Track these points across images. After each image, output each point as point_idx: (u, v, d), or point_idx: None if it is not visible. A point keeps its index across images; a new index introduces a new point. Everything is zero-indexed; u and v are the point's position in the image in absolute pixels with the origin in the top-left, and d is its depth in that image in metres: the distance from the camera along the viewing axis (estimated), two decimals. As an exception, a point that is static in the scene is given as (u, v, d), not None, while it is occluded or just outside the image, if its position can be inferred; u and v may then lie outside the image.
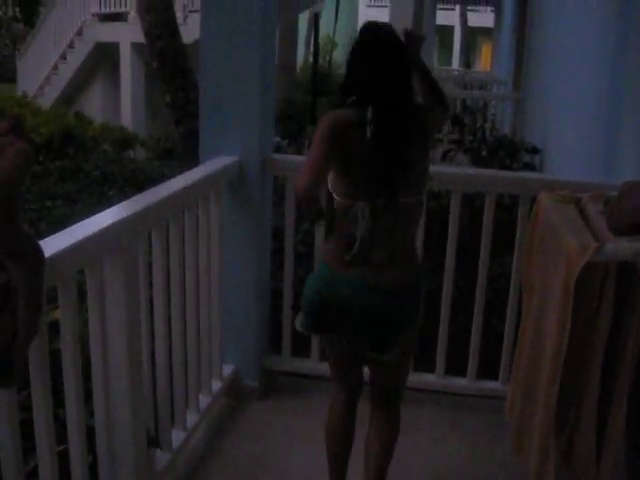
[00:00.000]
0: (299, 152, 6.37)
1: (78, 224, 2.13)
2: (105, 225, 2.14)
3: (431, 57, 16.01)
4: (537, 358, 2.51)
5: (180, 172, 3.11)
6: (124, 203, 2.46)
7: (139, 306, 2.39)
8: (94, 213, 2.24)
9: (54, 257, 1.81)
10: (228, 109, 3.27)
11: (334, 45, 22.96)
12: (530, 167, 6.55)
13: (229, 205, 3.28)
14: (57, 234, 2.00)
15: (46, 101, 12.17)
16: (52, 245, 1.86)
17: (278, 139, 6.53)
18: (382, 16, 26.78)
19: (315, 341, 3.57)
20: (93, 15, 11.57)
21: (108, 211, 2.31)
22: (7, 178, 1.48)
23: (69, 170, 5.79)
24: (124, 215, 2.28)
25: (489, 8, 25.20)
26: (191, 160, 6.35)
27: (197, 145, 3.41)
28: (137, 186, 5.46)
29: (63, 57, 12.23)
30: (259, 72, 3.22)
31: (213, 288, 3.17)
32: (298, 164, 3.54)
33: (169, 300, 2.72)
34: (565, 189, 2.92)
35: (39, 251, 1.66)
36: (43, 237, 4.03)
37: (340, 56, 24.97)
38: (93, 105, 11.92)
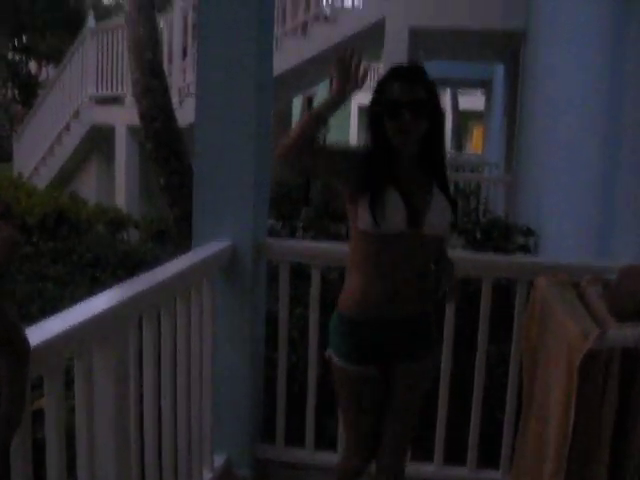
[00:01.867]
0: (293, 234, 6.34)
1: (67, 311, 2.07)
2: (94, 313, 2.08)
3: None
4: (541, 447, 2.43)
5: (174, 255, 3.07)
6: (114, 290, 2.41)
7: (128, 395, 2.31)
8: (85, 297, 2.20)
9: (41, 346, 1.75)
10: (221, 193, 3.25)
11: (327, 128, 23.29)
12: (525, 249, 6.51)
13: (222, 290, 3.24)
14: (44, 321, 1.94)
15: (42, 182, 12.19)
16: (39, 333, 1.81)
17: (272, 221, 6.51)
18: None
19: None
20: (90, 98, 11.70)
21: (97, 298, 2.25)
22: None
23: (61, 252, 5.76)
24: (114, 303, 2.23)
25: (480, 91, 25.65)
26: (185, 243, 6.34)
27: (190, 228, 3.38)
28: (129, 269, 5.42)
29: (59, 138, 12.31)
30: (253, 156, 3.22)
31: (205, 375, 3.09)
32: (293, 249, 3.55)
33: (159, 388, 2.64)
34: (563, 272, 2.89)
35: (24, 340, 1.60)
36: (34, 320, 3.95)
37: (333, 138, 25.42)
38: (88, 186, 11.96)
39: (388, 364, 2.53)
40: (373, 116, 2.42)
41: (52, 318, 1.97)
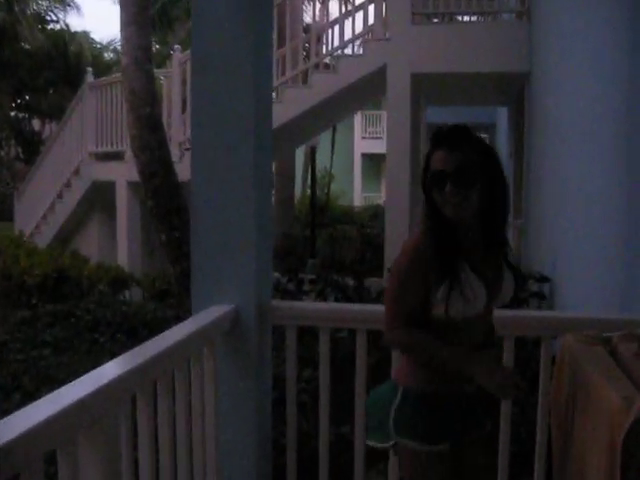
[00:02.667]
0: (299, 288, 6.13)
1: (49, 397, 1.85)
2: (79, 397, 1.85)
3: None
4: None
5: (175, 316, 2.86)
6: (103, 368, 2.18)
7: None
8: (82, 363, 1.99)
9: (13, 443, 1.53)
10: (221, 253, 3.04)
11: (331, 177, 23.27)
12: (539, 296, 6.31)
13: (224, 357, 3.01)
14: (20, 411, 1.72)
15: (43, 240, 12.07)
16: (12, 426, 1.59)
17: (277, 275, 6.32)
18: (377, 147, 27.31)
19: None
20: (90, 154, 11.61)
21: (85, 378, 2.03)
22: None
23: (60, 314, 5.56)
24: (102, 383, 2.00)
25: (483, 135, 25.69)
26: (187, 301, 6.15)
27: (190, 286, 3.17)
28: (130, 331, 5.22)
29: (60, 195, 12.22)
30: (254, 212, 3.01)
31: (208, 453, 2.85)
32: (300, 311, 3.33)
33: (157, 471, 2.41)
34: (590, 327, 2.69)
35: None
36: (26, 392, 3.70)
37: (337, 188, 25.41)
38: (90, 243, 11.82)
39: (460, 438, 2.38)
40: (424, 188, 2.26)
41: (30, 407, 1.74)
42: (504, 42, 9.22)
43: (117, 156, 11.54)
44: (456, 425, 2.33)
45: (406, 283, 2.28)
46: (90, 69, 12.81)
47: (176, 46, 11.26)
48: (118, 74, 10.89)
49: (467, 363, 2.22)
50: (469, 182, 2.16)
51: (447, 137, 2.22)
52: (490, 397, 2.35)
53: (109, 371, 2.16)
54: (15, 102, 37.35)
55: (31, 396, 3.80)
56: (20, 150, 38.24)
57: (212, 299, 3.04)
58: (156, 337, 2.57)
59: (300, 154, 22.32)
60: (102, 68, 25.92)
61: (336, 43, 11.06)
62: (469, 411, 2.36)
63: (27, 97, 38.89)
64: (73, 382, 1.98)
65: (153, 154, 7.31)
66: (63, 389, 1.92)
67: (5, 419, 1.63)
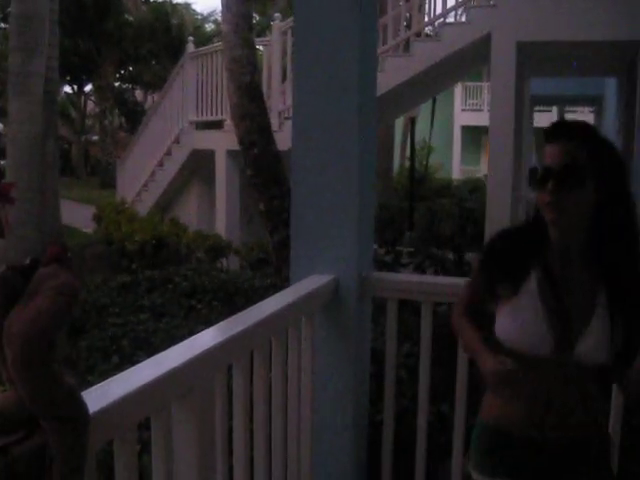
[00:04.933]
0: (397, 261, 6.01)
1: (144, 363, 1.80)
2: (176, 365, 1.80)
3: (530, 159, 15.64)
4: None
5: (272, 284, 2.79)
6: (201, 335, 2.13)
7: (214, 454, 2.03)
8: (179, 329, 1.93)
9: (109, 408, 1.49)
10: (322, 222, 2.95)
11: (430, 149, 22.95)
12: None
13: (323, 328, 2.93)
14: (115, 377, 1.68)
15: (143, 207, 12.31)
16: (108, 393, 1.55)
17: (375, 247, 6.21)
18: (477, 119, 26.80)
19: (420, 479, 3.11)
20: (190, 123, 11.72)
21: (182, 345, 1.98)
22: (42, 321, 1.19)
23: (158, 281, 5.61)
24: (199, 351, 1.94)
25: (588, 109, 24.79)
26: (285, 270, 6.12)
27: (289, 256, 3.10)
28: (226, 299, 5.22)
29: (160, 164, 12.41)
30: (357, 180, 2.91)
31: (303, 423, 2.78)
32: (401, 284, 3.22)
33: (251, 440, 2.35)
34: None
35: (83, 409, 1.34)
36: (124, 355, 3.72)
37: (436, 161, 25.07)
38: (189, 211, 11.98)
39: None
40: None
41: (123, 374, 1.70)
42: (616, 8, 8.75)
43: (217, 125, 11.62)
44: (522, 466, 1.99)
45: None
46: (191, 39, 12.91)
47: (276, 14, 11.19)
48: (219, 43, 10.91)
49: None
50: (575, 183, 1.84)
51: (561, 131, 1.91)
52: (593, 455, 1.98)
53: (206, 339, 2.10)
54: (119, 73, 38.29)
55: (129, 359, 3.83)
56: (123, 120, 39.25)
57: (312, 269, 2.97)
58: (254, 306, 2.52)
59: (399, 125, 22.07)
60: (203, 39, 26.16)
61: (439, 10, 10.78)
62: (548, 459, 1.97)
63: (130, 68, 39.83)
64: (169, 349, 1.93)
65: (253, 123, 7.28)
66: (159, 356, 1.87)
67: (100, 385, 1.60)
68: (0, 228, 1.21)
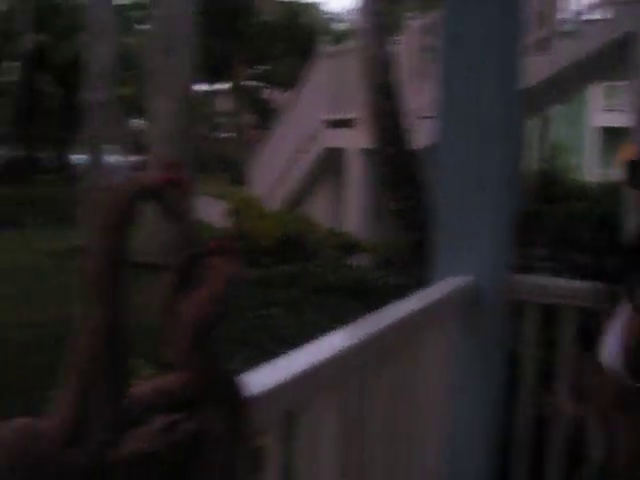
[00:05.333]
0: (530, 264, 5.88)
1: (289, 356, 1.85)
2: (319, 360, 1.83)
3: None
4: None
5: (404, 285, 2.80)
6: (341, 332, 2.16)
7: (352, 451, 2.06)
8: (311, 324, 1.98)
9: (259, 397, 1.53)
10: (466, 222, 2.94)
11: (563, 150, 22.31)
12: None
13: (460, 330, 2.91)
14: (263, 368, 1.72)
15: (275, 204, 12.55)
16: (257, 382, 1.59)
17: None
18: (616, 120, 25.83)
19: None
20: (323, 121, 11.85)
21: (322, 341, 2.01)
22: (210, 308, 1.25)
23: (290, 276, 5.71)
24: (342, 347, 1.97)
25: None
26: (416, 270, 6.10)
27: (423, 255, 3.10)
28: (358, 296, 5.26)
29: (293, 162, 12.62)
30: (504, 180, 2.88)
31: (438, 424, 2.78)
32: (544, 288, 3.15)
33: (387, 437, 2.37)
34: None
35: (241, 392, 1.39)
36: (260, 347, 3.81)
37: (570, 162, 24.33)
38: (320, 208, 12.12)
39: None
40: None
41: (269, 366, 1.75)
42: None
43: (349, 123, 11.71)
44: None
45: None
46: (325, 38, 13.07)
47: (410, 14, 11.17)
48: (352, 42, 10.99)
49: None
50: None
51: None
52: None
53: (347, 336, 2.13)
54: (252, 72, 39.15)
55: (264, 351, 3.92)
56: (254, 117, 40.10)
57: (450, 269, 2.95)
58: (392, 305, 2.53)
59: (533, 125, 21.57)
60: (333, 38, 26.40)
61: (579, 6, 10.45)
62: None
63: (263, 67, 40.66)
64: (310, 345, 1.96)
65: (387, 121, 7.30)
66: (299, 352, 1.90)
67: (247, 375, 1.64)
68: (177, 218, 1.28)
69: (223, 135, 47.05)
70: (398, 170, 7.14)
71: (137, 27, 35.09)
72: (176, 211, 1.25)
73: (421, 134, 8.63)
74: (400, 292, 4.42)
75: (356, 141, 10.44)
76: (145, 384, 1.36)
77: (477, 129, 2.91)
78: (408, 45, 10.45)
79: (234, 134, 38.48)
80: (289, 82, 36.52)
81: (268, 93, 43.26)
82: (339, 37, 30.46)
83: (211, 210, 15.53)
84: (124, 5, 26.96)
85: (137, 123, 31.69)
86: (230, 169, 34.67)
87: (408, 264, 6.66)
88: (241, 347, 4.11)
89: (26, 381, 5.69)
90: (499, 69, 2.89)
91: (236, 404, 1.37)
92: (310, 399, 1.82)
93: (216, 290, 1.26)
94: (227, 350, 3.99)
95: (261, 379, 1.63)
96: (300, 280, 5.59)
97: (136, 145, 37.64)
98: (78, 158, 36.24)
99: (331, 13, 38.73)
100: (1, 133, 34.44)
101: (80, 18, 26.72)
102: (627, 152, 9.04)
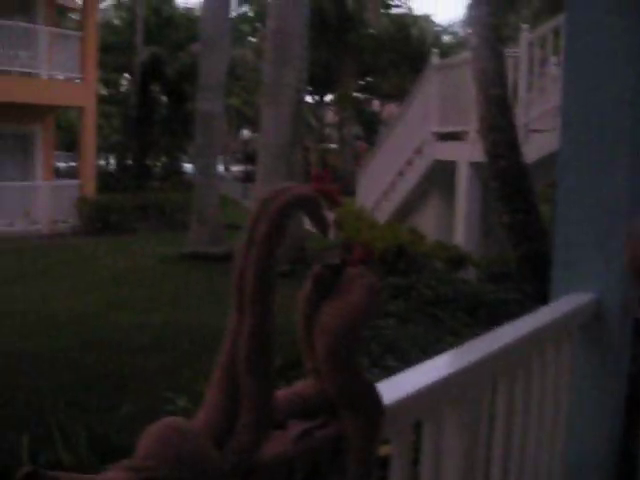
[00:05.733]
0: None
1: (416, 367, 1.87)
2: (447, 372, 1.85)
3: None
4: None
5: (515, 298, 2.77)
6: (467, 346, 2.16)
7: (477, 463, 2.06)
8: (424, 336, 1.99)
9: (390, 407, 1.56)
10: (587, 237, 2.89)
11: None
12: None
13: (581, 347, 2.86)
14: (392, 378, 1.75)
15: (382, 215, 12.58)
16: (386, 392, 1.62)
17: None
18: None
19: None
20: (433, 134, 11.81)
21: (447, 355, 2.03)
22: (353, 317, 1.29)
23: (402, 288, 5.72)
24: (468, 361, 1.98)
25: None
26: (527, 286, 6.01)
27: (535, 270, 3.07)
28: (469, 310, 5.22)
29: (401, 173, 12.62)
30: (629, 197, 2.82)
31: (546, 446, 2.74)
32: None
33: (509, 452, 2.36)
34: None
35: (378, 400, 1.42)
36: (373, 357, 3.83)
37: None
38: (427, 221, 12.08)
39: None
40: None
41: (401, 375, 1.77)
42: None
43: (459, 136, 11.63)
44: None
45: None
46: (436, 50, 13.03)
47: (524, 26, 11.02)
48: (464, 54, 10.93)
49: None
50: None
51: None
52: None
53: (469, 351, 2.13)
54: (358, 83, 39.38)
55: (378, 362, 3.94)
56: (360, 129, 40.32)
57: (571, 285, 2.91)
58: (514, 321, 2.51)
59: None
60: (441, 50, 26.30)
61: None
62: None
63: (369, 79, 40.83)
64: (437, 357, 1.98)
65: (500, 135, 7.22)
66: (428, 363, 1.92)
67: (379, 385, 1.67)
68: (324, 228, 1.32)
69: (331, 146, 47.54)
70: (509, 184, 7.04)
71: (246, 39, 35.92)
72: (324, 222, 1.29)
73: (531, 148, 8.51)
74: (511, 307, 4.39)
75: (467, 154, 10.37)
76: (282, 389, 1.40)
77: (602, 142, 2.86)
78: (521, 57, 10.31)
79: (339, 145, 38.77)
80: (396, 94, 36.58)
81: (374, 105, 43.43)
82: (449, 49, 30.33)
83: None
84: (231, 18, 27.62)
85: (245, 133, 32.35)
86: (336, 180, 34.90)
87: (519, 279, 6.56)
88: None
89: (145, 382, 5.89)
90: (624, 82, 2.84)
91: (373, 413, 1.40)
92: (436, 411, 1.83)
93: (362, 300, 1.30)
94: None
95: (389, 390, 1.65)
96: (411, 292, 5.59)
97: (244, 155, 38.42)
98: (187, 166, 37.28)
99: (441, 25, 38.62)
100: (114, 141, 35.76)
101: (192, 30, 27.62)
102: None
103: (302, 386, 1.43)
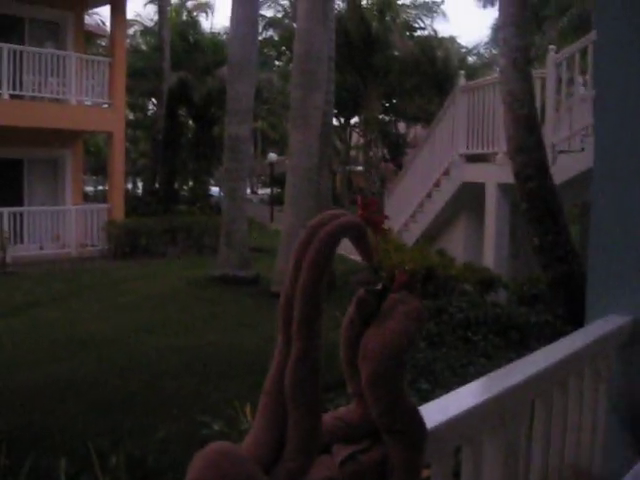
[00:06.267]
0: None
1: (451, 394, 1.86)
2: (484, 399, 1.84)
3: None
4: None
5: (547, 320, 2.76)
6: (504, 371, 2.15)
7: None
8: (456, 359, 1.99)
9: (431, 431, 1.56)
10: (622, 260, 2.88)
11: None
12: None
13: (618, 370, 2.84)
14: (430, 404, 1.75)
15: (410, 237, 12.56)
16: (426, 417, 1.62)
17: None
18: None
19: None
20: (460, 156, 11.80)
21: (484, 380, 2.03)
22: (396, 343, 1.30)
23: (433, 310, 5.70)
24: (506, 386, 1.97)
25: None
26: (559, 307, 5.97)
27: (566, 292, 3.05)
28: (501, 333, 5.20)
29: (429, 195, 12.61)
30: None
31: (593, 469, 2.71)
32: None
33: (546, 477, 2.34)
34: None
35: (422, 425, 1.43)
36: (407, 383, 3.83)
37: None
38: (455, 243, 12.04)
39: None
40: None
41: (440, 400, 1.77)
42: None
43: (487, 158, 11.61)
44: None
45: None
46: (462, 72, 13.05)
47: (551, 47, 11.01)
48: (491, 76, 10.94)
49: None
50: None
51: None
52: None
53: (510, 374, 2.13)
54: (383, 106, 39.44)
55: (411, 385, 3.94)
56: (386, 151, 40.34)
57: (606, 308, 2.89)
58: (551, 345, 2.50)
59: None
60: (467, 72, 26.34)
61: None
62: None
63: (394, 101, 40.88)
64: (474, 382, 1.98)
65: (529, 156, 7.21)
66: (465, 388, 1.92)
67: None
68: (370, 256, 1.33)
69: (356, 168, 47.60)
70: (538, 205, 7.02)
71: (272, 63, 36.17)
72: (369, 249, 1.30)
73: (559, 168, 8.48)
74: (543, 329, 4.35)
75: (496, 176, 10.34)
76: (326, 413, 1.40)
77: (637, 161, 2.85)
78: (549, 77, 10.30)
79: (365, 167, 38.81)
80: (421, 116, 36.56)
81: (400, 127, 43.48)
82: (474, 70, 30.33)
83: (343, 243, 15.71)
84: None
85: (271, 156, 32.50)
86: (379, 208, 34.87)
87: (550, 301, 6.52)
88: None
89: (179, 405, 5.91)
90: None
91: (417, 437, 1.40)
92: (475, 436, 1.83)
93: (404, 326, 1.31)
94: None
95: (428, 414, 1.65)
96: (442, 315, 5.57)
97: (270, 178, 38.60)
98: (214, 190, 37.44)
99: (466, 47, 38.64)
100: (141, 165, 36.01)
101: (219, 54, 27.89)
102: None
103: (345, 410, 1.43)
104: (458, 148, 11.80)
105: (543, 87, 10.26)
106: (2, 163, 17.83)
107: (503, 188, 10.08)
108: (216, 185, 49.14)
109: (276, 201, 31.01)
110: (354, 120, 45.17)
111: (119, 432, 4.66)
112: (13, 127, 16.16)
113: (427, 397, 3.57)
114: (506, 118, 7.64)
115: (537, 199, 7.03)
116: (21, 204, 17.71)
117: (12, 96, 16.38)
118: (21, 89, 16.45)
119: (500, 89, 8.11)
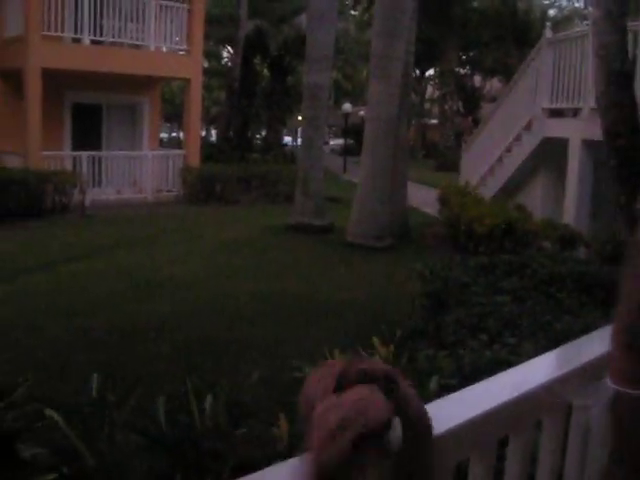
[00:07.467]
0: None
1: (477, 387, 1.65)
2: (546, 380, 1.73)
3: None
4: None
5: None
6: (574, 344, 2.04)
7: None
8: (542, 314, 1.89)
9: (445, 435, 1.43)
10: None
11: None
12: None
13: None
14: (445, 402, 1.61)
15: (487, 192, 12.41)
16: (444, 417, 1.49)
17: None
18: None
19: None
20: (543, 110, 11.54)
21: (550, 355, 1.93)
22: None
23: (515, 265, 5.64)
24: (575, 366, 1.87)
25: None
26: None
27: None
28: (585, 290, 5.12)
29: (508, 150, 12.40)
30: None
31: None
32: None
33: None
34: None
35: (427, 424, 1.35)
36: (490, 334, 3.79)
37: None
38: (533, 199, 11.84)
39: None
40: None
41: (458, 396, 1.58)
42: None
43: (572, 113, 11.33)
44: None
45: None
46: (549, 24, 12.71)
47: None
48: (581, 28, 10.61)
49: None
50: None
51: None
52: None
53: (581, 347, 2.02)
54: (459, 58, 38.73)
55: (497, 339, 3.92)
56: (460, 104, 39.72)
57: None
58: (591, 334, 2.34)
59: None
60: (551, 25, 25.58)
61: None
62: None
63: (470, 53, 40.10)
64: (531, 361, 1.87)
65: (621, 112, 7.00)
66: (521, 370, 1.81)
67: (460, 395, 1.57)
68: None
69: (430, 121, 47.05)
70: (629, 163, 6.83)
71: (348, 12, 35.76)
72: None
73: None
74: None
75: (580, 132, 10.08)
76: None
77: None
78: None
79: (440, 120, 38.33)
80: (499, 69, 35.82)
81: (476, 80, 42.70)
82: (556, 24, 29.47)
83: (416, 195, 15.61)
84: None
85: (345, 107, 32.29)
86: (435, 155, 34.64)
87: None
88: (476, 333, 4.11)
89: (265, 350, 6.01)
90: None
91: (427, 437, 1.34)
92: (527, 422, 1.72)
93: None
94: (460, 335, 4.03)
95: (446, 413, 1.53)
96: (525, 270, 5.51)
97: (343, 129, 38.42)
98: (287, 139, 37.35)
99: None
100: (215, 113, 36.15)
101: (296, 3, 27.65)
102: None
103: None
104: (541, 102, 11.53)
105: (635, 40, 9.92)
106: (82, 108, 18.15)
107: (587, 145, 9.83)
108: (289, 134, 49.26)
109: (348, 152, 30.89)
110: (429, 72, 44.55)
111: (211, 375, 4.76)
112: (93, 72, 16.40)
113: (514, 351, 3.54)
114: (598, 73, 7.41)
115: (627, 157, 6.84)
116: (99, 149, 18.04)
117: (92, 42, 16.57)
118: (101, 34, 16.63)
119: (592, 42, 7.85)
